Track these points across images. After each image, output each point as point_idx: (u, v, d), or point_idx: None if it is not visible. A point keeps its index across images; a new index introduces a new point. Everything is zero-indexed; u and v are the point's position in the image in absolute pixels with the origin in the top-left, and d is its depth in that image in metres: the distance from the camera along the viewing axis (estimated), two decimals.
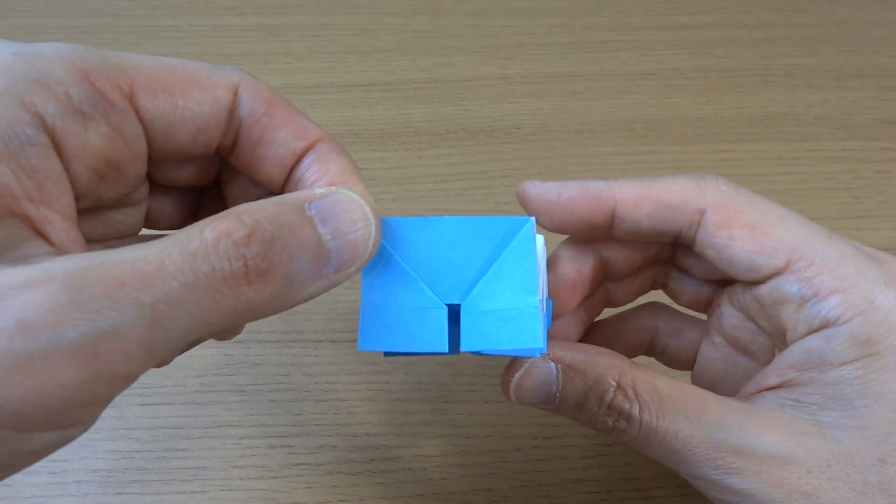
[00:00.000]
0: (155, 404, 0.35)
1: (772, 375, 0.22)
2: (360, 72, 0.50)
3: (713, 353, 0.26)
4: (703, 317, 0.28)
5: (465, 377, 0.35)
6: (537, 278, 0.20)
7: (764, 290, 0.23)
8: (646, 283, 0.28)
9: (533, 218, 0.21)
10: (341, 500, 0.32)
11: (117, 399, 0.36)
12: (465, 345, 0.19)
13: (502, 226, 0.20)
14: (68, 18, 0.53)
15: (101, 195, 0.19)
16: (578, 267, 0.25)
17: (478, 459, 0.33)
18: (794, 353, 0.22)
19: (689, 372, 0.28)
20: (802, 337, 0.22)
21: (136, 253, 0.15)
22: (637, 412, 0.21)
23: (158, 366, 0.16)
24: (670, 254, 0.26)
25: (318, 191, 0.18)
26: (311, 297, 0.18)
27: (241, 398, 0.35)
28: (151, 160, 0.20)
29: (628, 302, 0.28)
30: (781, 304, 0.22)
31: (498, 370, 0.36)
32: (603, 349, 0.23)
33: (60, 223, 0.16)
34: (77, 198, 0.17)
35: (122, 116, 0.18)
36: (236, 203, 0.19)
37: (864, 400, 0.20)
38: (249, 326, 0.37)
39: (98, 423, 0.34)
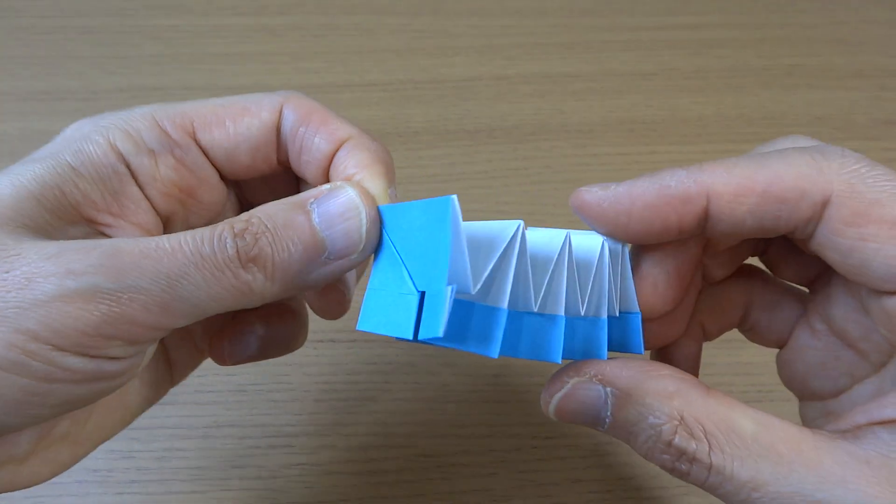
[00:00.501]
0: (155, 404, 0.35)
1: (892, 406, 0.18)
2: (360, 72, 0.50)
3: (811, 340, 0.22)
4: (804, 290, 0.23)
5: (465, 377, 0.35)
6: (447, 262, 0.18)
7: None
8: (744, 253, 0.23)
9: (452, 196, 0.18)
10: (341, 500, 0.32)
11: None
12: (424, 332, 0.18)
13: (433, 208, 0.18)
14: (68, 18, 0.53)
15: (189, 219, 0.23)
16: (666, 267, 0.21)
17: (478, 459, 0.33)
18: None
19: (777, 350, 0.24)
20: None
21: (164, 239, 0.18)
22: (706, 455, 0.17)
23: (181, 325, 0.19)
24: None
25: (323, 187, 0.20)
26: (324, 282, 0.20)
27: (240, 398, 0.35)
28: (231, 183, 0.24)
29: (727, 276, 0.24)
30: None
31: (496, 370, 0.36)
32: (667, 369, 0.19)
33: (133, 232, 0.21)
34: (165, 221, 0.22)
35: (185, 150, 0.22)
36: None
37: None
38: None
39: None
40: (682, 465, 0.18)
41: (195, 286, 0.18)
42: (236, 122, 0.22)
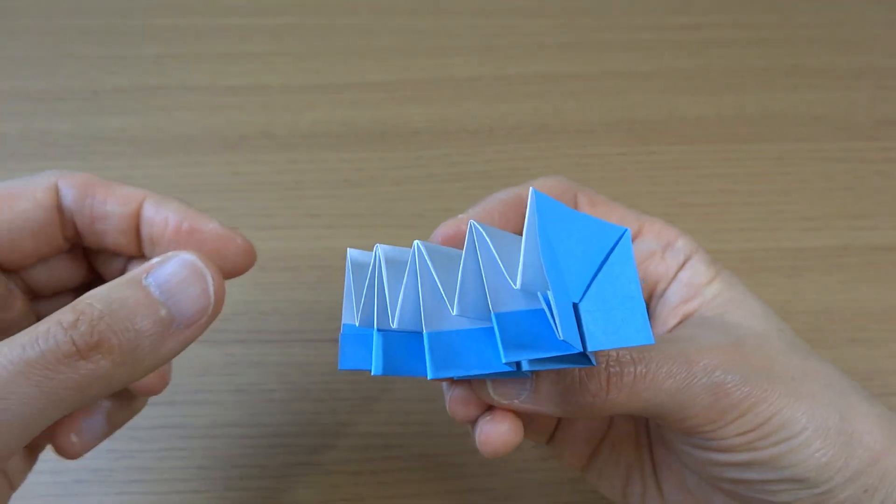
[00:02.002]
0: (155, 404, 0.35)
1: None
2: (360, 72, 0.50)
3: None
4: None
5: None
6: (639, 287, 0.19)
7: None
8: None
9: (628, 230, 0.19)
10: (341, 500, 0.32)
11: None
12: (591, 343, 0.18)
13: (610, 233, 0.19)
14: (68, 19, 0.53)
15: None
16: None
17: (478, 459, 0.33)
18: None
19: None
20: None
21: None
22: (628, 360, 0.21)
23: (20, 447, 0.17)
24: None
25: (153, 261, 0.19)
26: (175, 354, 0.19)
27: (241, 398, 0.35)
28: (13, 273, 0.22)
29: None
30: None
31: None
32: None
33: None
34: None
35: None
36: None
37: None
38: (251, 326, 0.37)
39: None
40: (616, 370, 0.20)
41: (28, 399, 0.16)
42: (11, 207, 0.21)
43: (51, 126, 0.46)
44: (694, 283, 0.25)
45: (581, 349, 0.18)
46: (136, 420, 0.34)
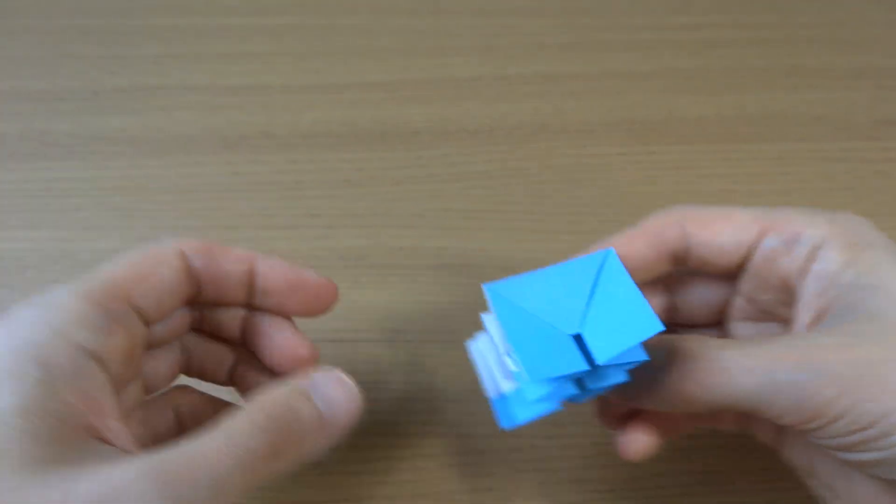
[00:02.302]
0: None
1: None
2: (360, 72, 0.50)
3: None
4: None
5: (464, 377, 0.35)
6: (636, 287, 0.24)
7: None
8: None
9: (612, 248, 0.25)
10: (342, 500, 0.32)
11: None
12: (599, 358, 0.22)
13: (592, 262, 0.24)
14: (68, 19, 0.53)
15: (125, 376, 0.24)
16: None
17: (478, 459, 0.33)
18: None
19: None
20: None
21: (197, 447, 0.20)
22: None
23: None
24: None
25: (314, 375, 0.24)
26: (320, 452, 0.23)
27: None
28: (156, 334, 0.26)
29: None
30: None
31: None
32: None
33: (115, 424, 0.21)
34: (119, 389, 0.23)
35: (124, 318, 0.23)
36: (236, 328, 0.28)
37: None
38: None
39: None
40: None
41: (238, 483, 0.20)
42: (156, 273, 0.24)
43: (51, 126, 0.46)
44: (827, 274, 0.24)
45: (589, 367, 0.22)
46: None
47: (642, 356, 0.23)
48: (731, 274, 0.27)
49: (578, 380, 0.24)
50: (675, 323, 0.30)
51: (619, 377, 0.23)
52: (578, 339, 0.23)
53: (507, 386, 0.24)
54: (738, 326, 0.28)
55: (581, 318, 0.23)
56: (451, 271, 0.40)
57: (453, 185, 0.43)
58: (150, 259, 0.25)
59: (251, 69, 0.49)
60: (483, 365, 0.26)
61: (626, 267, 0.25)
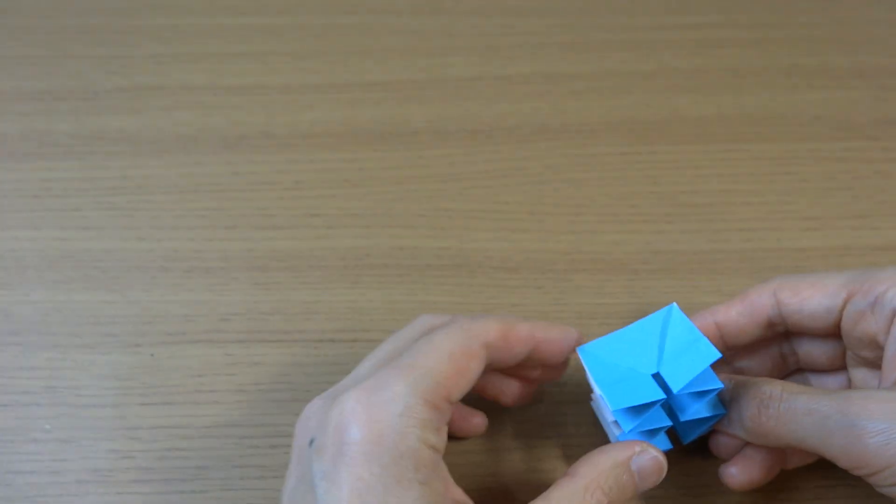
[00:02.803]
0: (155, 404, 0.35)
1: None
2: (360, 72, 0.50)
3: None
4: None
5: None
6: (697, 329, 0.28)
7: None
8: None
9: (674, 304, 0.29)
10: None
11: (118, 399, 0.36)
12: (674, 386, 0.27)
13: (659, 317, 0.29)
14: (68, 18, 0.53)
15: None
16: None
17: (478, 459, 0.33)
18: None
19: None
20: None
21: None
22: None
23: None
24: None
25: (636, 448, 0.26)
26: None
27: (241, 398, 0.35)
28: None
29: None
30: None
31: None
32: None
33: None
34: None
35: (448, 412, 0.26)
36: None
37: None
38: (251, 326, 0.37)
39: (98, 423, 0.35)
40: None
41: None
42: (470, 368, 0.27)
43: (51, 126, 0.46)
44: None
45: (665, 396, 0.27)
46: (137, 420, 0.34)
47: (716, 384, 0.27)
48: (831, 333, 0.29)
49: (671, 412, 0.29)
50: (800, 369, 0.32)
51: (703, 409, 0.28)
52: (657, 377, 0.27)
53: (616, 432, 0.29)
54: (856, 373, 0.30)
55: (658, 360, 0.28)
56: (451, 271, 0.40)
57: (453, 185, 0.43)
58: (465, 355, 0.27)
59: (251, 69, 0.49)
60: (601, 419, 0.31)
61: (722, 332, 0.30)
